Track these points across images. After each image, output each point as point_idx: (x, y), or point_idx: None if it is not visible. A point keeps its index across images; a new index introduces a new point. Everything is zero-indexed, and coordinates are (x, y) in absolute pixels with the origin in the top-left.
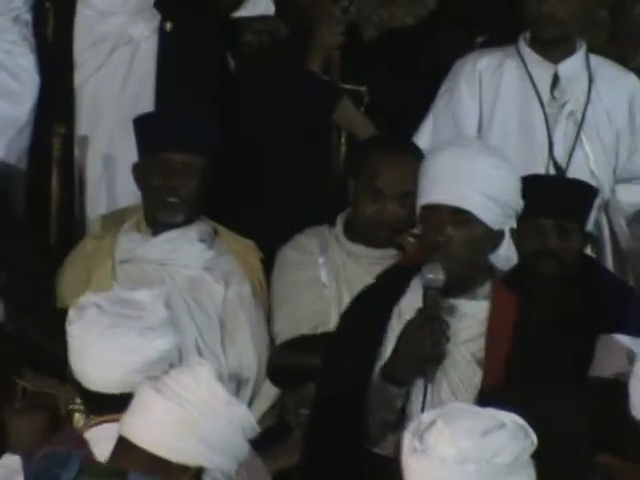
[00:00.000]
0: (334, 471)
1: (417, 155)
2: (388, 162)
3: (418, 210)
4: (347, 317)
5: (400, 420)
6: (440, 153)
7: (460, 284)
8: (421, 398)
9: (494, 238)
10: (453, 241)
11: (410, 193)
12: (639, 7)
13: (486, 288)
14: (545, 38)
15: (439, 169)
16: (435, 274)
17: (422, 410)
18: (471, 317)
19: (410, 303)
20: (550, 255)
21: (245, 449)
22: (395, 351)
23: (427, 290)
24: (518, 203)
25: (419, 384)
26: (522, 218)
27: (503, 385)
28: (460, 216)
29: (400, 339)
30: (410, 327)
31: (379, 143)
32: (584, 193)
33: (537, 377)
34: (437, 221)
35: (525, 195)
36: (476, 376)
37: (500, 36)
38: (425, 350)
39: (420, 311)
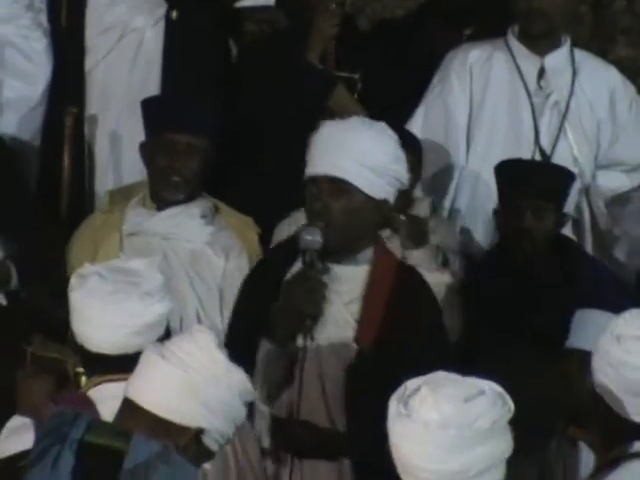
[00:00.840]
0: None
1: (415, 150)
2: None
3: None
4: (242, 288)
5: (288, 382)
6: (322, 128)
7: (342, 250)
8: (304, 357)
9: (378, 207)
10: (331, 209)
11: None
12: (617, 2)
13: (368, 253)
14: (534, 32)
15: (320, 143)
16: (313, 236)
17: (303, 369)
18: (352, 280)
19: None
20: (525, 234)
21: (242, 413)
22: (275, 311)
23: (305, 252)
24: (400, 173)
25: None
26: (501, 199)
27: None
28: (337, 185)
29: (280, 299)
30: (288, 286)
31: None
32: (559, 175)
33: (409, 340)
34: (316, 191)
35: (504, 178)
36: (351, 333)
37: (487, 29)
38: (302, 307)
39: (296, 273)
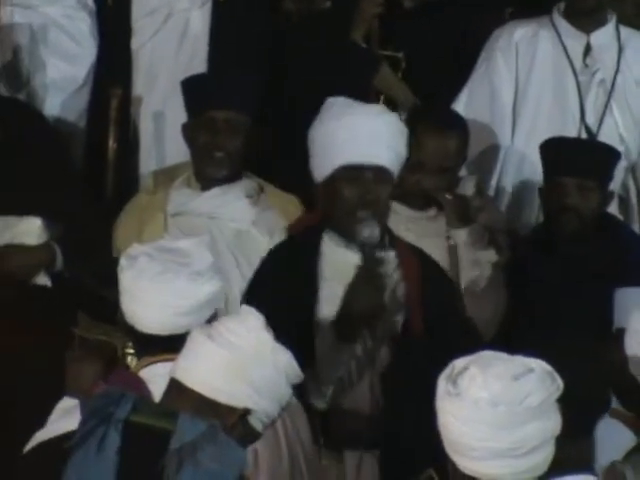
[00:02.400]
0: None
1: (461, 131)
2: (432, 137)
3: (331, 169)
4: (264, 275)
5: (351, 375)
6: (344, 116)
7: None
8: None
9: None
10: (380, 198)
11: (450, 168)
12: None
13: (386, 238)
14: (582, 8)
15: (351, 131)
16: (371, 230)
17: (359, 360)
18: (390, 265)
19: (330, 263)
20: (571, 212)
21: (288, 394)
22: (344, 312)
23: (365, 248)
24: (404, 159)
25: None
26: (546, 178)
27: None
28: (381, 175)
29: (347, 300)
30: (354, 287)
31: (427, 116)
32: (603, 153)
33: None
34: (362, 180)
35: (549, 156)
36: (402, 317)
37: (528, 7)
38: (373, 306)
39: (361, 270)
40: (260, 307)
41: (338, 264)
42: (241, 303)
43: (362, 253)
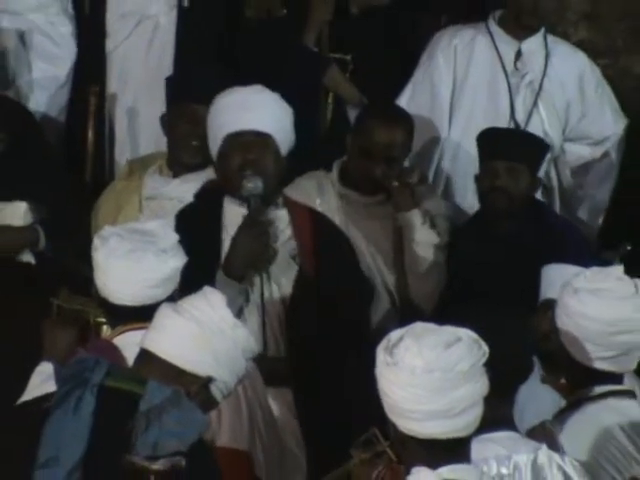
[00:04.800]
0: None
1: (407, 124)
2: (381, 130)
3: (220, 141)
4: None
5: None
6: (230, 92)
7: (270, 196)
8: (258, 292)
9: (284, 161)
10: (262, 159)
11: (396, 158)
12: None
13: (280, 198)
14: (532, 25)
15: (235, 104)
16: (255, 183)
17: (262, 302)
18: (282, 222)
19: (230, 218)
20: (500, 191)
21: (243, 367)
22: (230, 253)
23: (249, 198)
24: (292, 138)
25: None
26: (481, 163)
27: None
28: (262, 139)
29: (233, 243)
30: (240, 232)
31: (376, 111)
32: (532, 141)
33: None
34: (244, 143)
35: (483, 143)
36: (293, 270)
37: (460, 16)
38: (256, 250)
39: (246, 218)
40: None
41: (237, 219)
42: None
43: (248, 204)
